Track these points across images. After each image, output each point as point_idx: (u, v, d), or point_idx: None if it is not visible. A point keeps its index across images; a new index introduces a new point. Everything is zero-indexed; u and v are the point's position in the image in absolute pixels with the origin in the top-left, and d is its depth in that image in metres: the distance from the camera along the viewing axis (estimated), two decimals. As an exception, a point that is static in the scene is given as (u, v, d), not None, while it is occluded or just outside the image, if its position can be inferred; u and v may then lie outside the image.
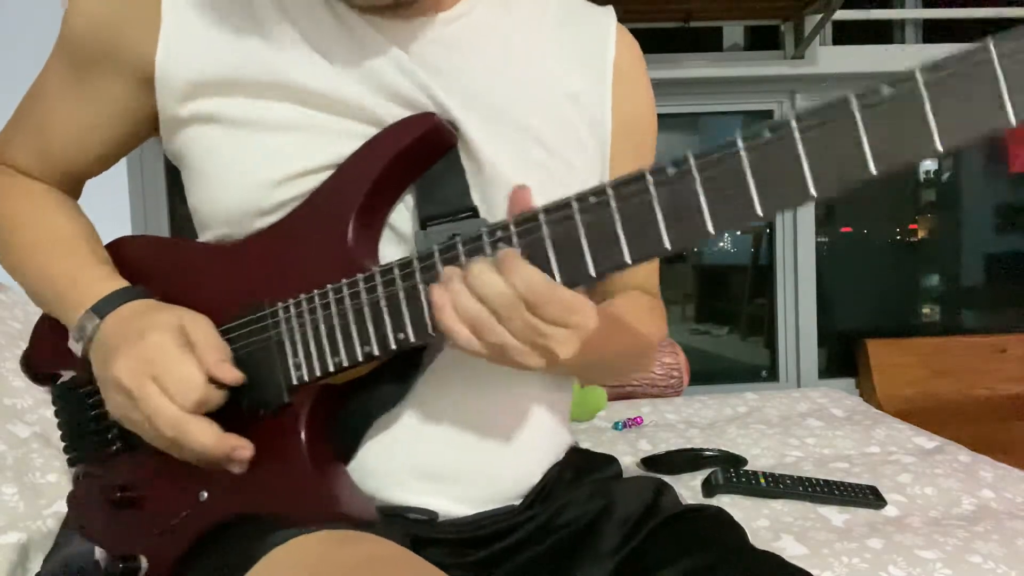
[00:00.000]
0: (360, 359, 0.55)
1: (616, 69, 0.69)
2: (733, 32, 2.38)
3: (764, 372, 2.55)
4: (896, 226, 2.72)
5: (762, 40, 2.37)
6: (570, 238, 0.49)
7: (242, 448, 0.55)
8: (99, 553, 0.67)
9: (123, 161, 0.68)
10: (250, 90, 0.59)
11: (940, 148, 0.40)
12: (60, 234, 0.66)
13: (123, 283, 0.61)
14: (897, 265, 2.72)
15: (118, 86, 0.63)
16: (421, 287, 0.52)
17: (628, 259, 0.48)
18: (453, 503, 0.63)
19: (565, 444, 0.73)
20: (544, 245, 0.49)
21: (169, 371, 0.53)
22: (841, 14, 2.18)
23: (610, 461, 0.76)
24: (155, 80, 0.59)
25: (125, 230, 1.85)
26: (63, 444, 0.69)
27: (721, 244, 2.74)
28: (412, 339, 0.53)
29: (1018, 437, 2.09)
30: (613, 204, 0.47)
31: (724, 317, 2.74)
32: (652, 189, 0.46)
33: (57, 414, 0.69)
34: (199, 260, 0.63)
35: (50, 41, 0.65)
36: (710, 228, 0.45)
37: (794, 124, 0.43)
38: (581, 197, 0.48)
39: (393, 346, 0.53)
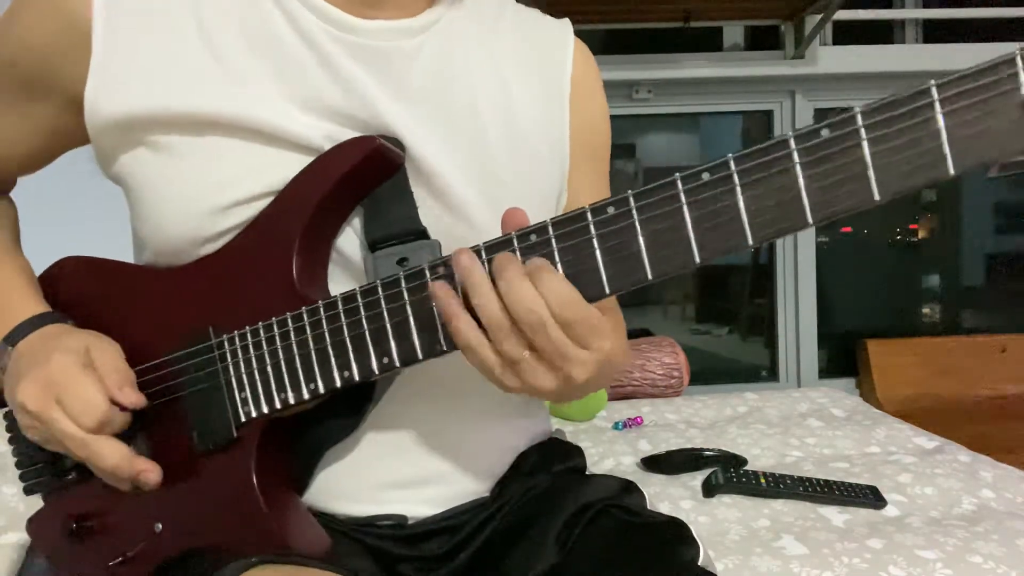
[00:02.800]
0: (306, 396, 0.54)
1: (573, 83, 0.68)
2: (733, 32, 2.38)
3: (764, 372, 2.55)
4: (896, 226, 2.72)
5: (762, 40, 2.37)
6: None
7: (148, 472, 0.55)
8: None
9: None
10: (184, 124, 0.56)
11: (877, 197, 0.40)
12: None
13: (38, 308, 0.61)
14: (897, 265, 2.72)
15: (47, 108, 0.61)
16: (365, 325, 0.52)
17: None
18: (422, 506, 0.63)
19: (539, 434, 0.73)
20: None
21: (71, 393, 0.53)
22: (841, 14, 2.18)
23: (576, 453, 0.75)
24: (84, 114, 0.58)
25: (125, 241, 1.84)
26: (19, 472, 0.67)
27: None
28: (357, 378, 0.53)
29: (1018, 437, 2.09)
30: (554, 245, 0.47)
31: (724, 317, 2.74)
32: (592, 230, 0.46)
33: (11, 441, 0.67)
34: (142, 285, 0.61)
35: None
36: (649, 274, 0.45)
37: (733, 167, 0.42)
38: (522, 235, 0.48)
39: (338, 384, 0.53)
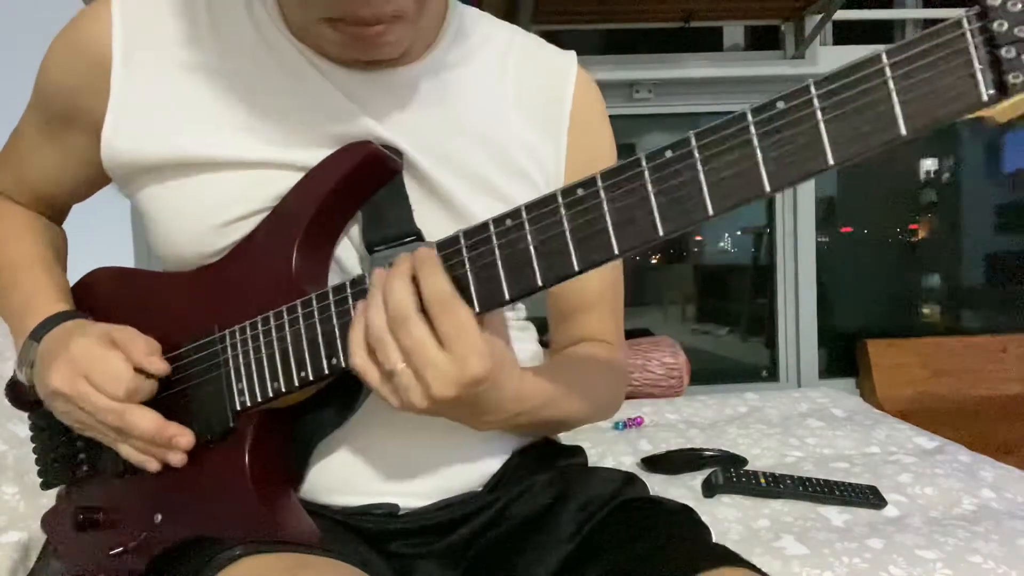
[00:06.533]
0: (297, 384, 0.56)
1: (572, 119, 0.69)
2: (733, 32, 2.38)
3: (764, 372, 2.55)
4: (896, 226, 2.72)
5: (762, 40, 2.37)
6: (487, 263, 0.49)
7: (180, 436, 0.58)
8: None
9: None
10: (191, 166, 0.60)
11: (831, 162, 0.41)
12: (23, 259, 0.70)
13: (63, 307, 0.65)
14: (897, 265, 2.72)
15: (82, 139, 0.65)
16: (352, 314, 0.52)
17: (540, 282, 0.48)
18: (414, 498, 0.64)
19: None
20: (464, 271, 0.50)
21: (97, 368, 0.57)
22: (841, 14, 2.17)
23: (576, 451, 0.76)
24: (100, 150, 0.61)
25: (127, 250, 1.84)
26: (37, 468, 0.71)
27: (721, 244, 2.74)
28: (344, 364, 0.53)
29: (1018, 437, 2.09)
30: (527, 227, 0.48)
31: (724, 317, 2.74)
32: (563, 211, 0.47)
33: (33, 439, 0.72)
34: (161, 289, 0.66)
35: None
36: (615, 249, 0.46)
37: (694, 143, 0.43)
38: (498, 221, 0.49)
39: (326, 371, 0.54)
